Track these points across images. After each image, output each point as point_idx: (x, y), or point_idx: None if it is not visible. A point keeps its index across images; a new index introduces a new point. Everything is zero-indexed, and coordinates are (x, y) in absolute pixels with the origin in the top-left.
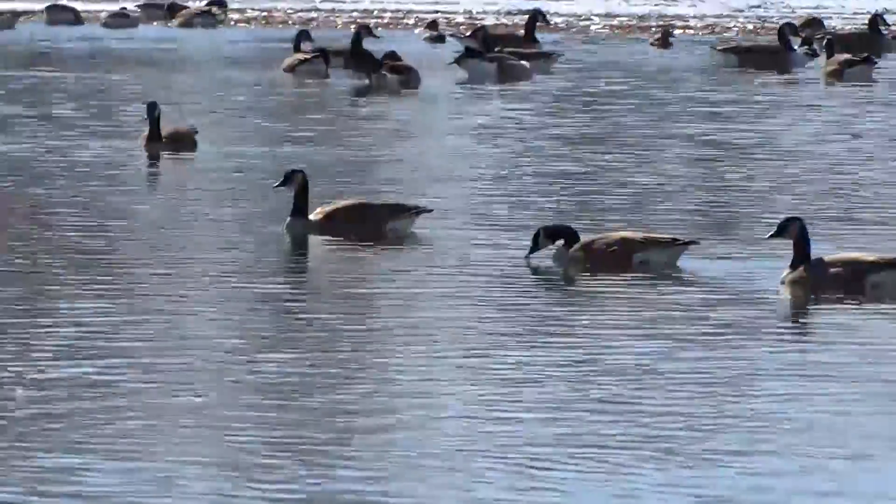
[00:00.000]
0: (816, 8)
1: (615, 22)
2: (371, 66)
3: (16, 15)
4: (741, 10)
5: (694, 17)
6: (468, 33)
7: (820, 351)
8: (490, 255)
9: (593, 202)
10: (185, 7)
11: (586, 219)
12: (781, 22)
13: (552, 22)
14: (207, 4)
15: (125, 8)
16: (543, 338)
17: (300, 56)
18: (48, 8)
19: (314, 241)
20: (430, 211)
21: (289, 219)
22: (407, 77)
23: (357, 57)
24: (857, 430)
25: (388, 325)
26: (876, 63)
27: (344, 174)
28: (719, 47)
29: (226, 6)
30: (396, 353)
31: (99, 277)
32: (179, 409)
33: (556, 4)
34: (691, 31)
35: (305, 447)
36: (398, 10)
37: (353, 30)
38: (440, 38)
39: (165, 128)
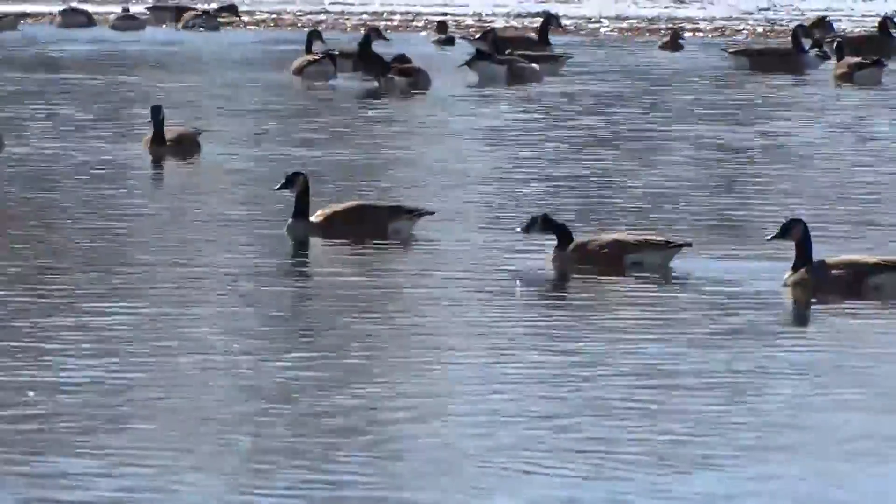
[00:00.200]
0: (826, 10)
1: (624, 24)
2: (380, 68)
3: (18, 17)
4: (750, 13)
5: (703, 19)
6: (477, 36)
7: (821, 353)
8: (490, 258)
9: (600, 204)
10: (192, 10)
11: (593, 220)
12: (791, 24)
13: (564, 25)
14: (219, 9)
15: (127, 10)
16: (547, 340)
17: (309, 57)
18: (63, 11)
19: (315, 242)
20: (432, 213)
21: (290, 220)
22: (415, 79)
23: (366, 59)
24: (859, 431)
25: (388, 327)
26: (886, 66)
27: (350, 176)
28: (731, 49)
29: (237, 11)
30: (397, 356)
31: (101, 280)
32: (182, 411)
33: (565, 7)
34: (701, 34)
35: (308, 450)
36: (407, 13)
37: (362, 32)
38: (449, 41)
39: (169, 131)
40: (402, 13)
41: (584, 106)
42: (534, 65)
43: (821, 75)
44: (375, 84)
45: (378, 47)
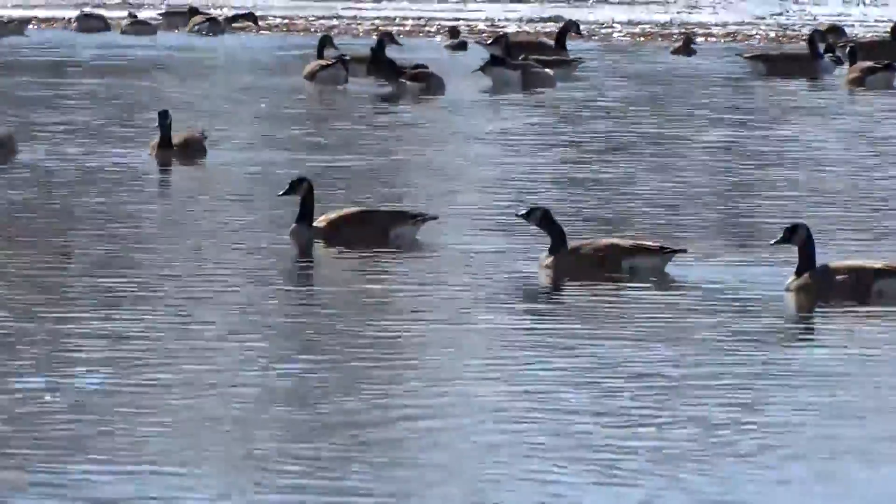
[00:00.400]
0: (839, 16)
1: (637, 29)
2: (393, 73)
3: (24, 22)
4: (762, 18)
5: (716, 24)
6: (490, 41)
7: (825, 358)
8: (492, 262)
9: (611, 209)
10: (211, 15)
11: (603, 225)
12: (803, 29)
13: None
14: (237, 16)
15: (134, 15)
16: (553, 345)
17: (321, 62)
18: (79, 17)
19: (318, 247)
20: (435, 218)
21: (293, 225)
22: (428, 84)
23: (379, 64)
24: (863, 436)
25: (389, 332)
26: None
27: (358, 181)
28: (747, 54)
29: (255, 18)
30: (400, 362)
31: (105, 285)
32: (188, 415)
33: (578, 12)
34: (713, 39)
35: (315, 456)
36: (420, 18)
37: (374, 37)
38: (462, 46)
39: (176, 135)
40: (414, 18)
41: (598, 111)
42: (548, 70)
43: (835, 80)
44: (388, 89)
45: (391, 52)
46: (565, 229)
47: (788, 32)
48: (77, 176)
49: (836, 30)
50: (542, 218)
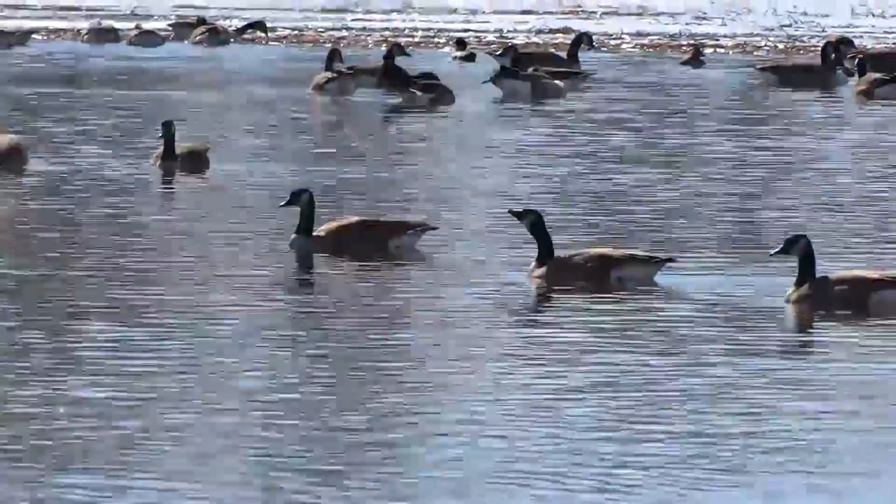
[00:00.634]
0: (847, 27)
1: (646, 41)
2: (402, 84)
3: (28, 33)
4: (771, 29)
5: (724, 35)
6: (499, 52)
7: (824, 369)
8: (491, 273)
9: (618, 220)
10: (213, 24)
11: (610, 236)
12: (812, 41)
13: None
14: (247, 26)
15: (139, 25)
16: (551, 355)
17: (328, 74)
18: (92, 28)
19: (318, 258)
20: (435, 228)
21: (293, 236)
22: (437, 95)
23: (388, 75)
24: (863, 448)
25: (387, 342)
26: None
27: (364, 192)
28: (759, 65)
29: (266, 28)
30: (401, 372)
31: (106, 296)
32: (190, 427)
33: (586, 24)
34: (721, 50)
35: (318, 467)
36: (429, 29)
37: (384, 49)
38: (470, 57)
39: (180, 146)
40: (423, 29)
41: (607, 122)
42: (558, 81)
43: (846, 92)
44: (398, 100)
45: (400, 63)
46: (572, 240)
47: (797, 44)
48: (82, 186)
49: (845, 41)
50: (535, 222)
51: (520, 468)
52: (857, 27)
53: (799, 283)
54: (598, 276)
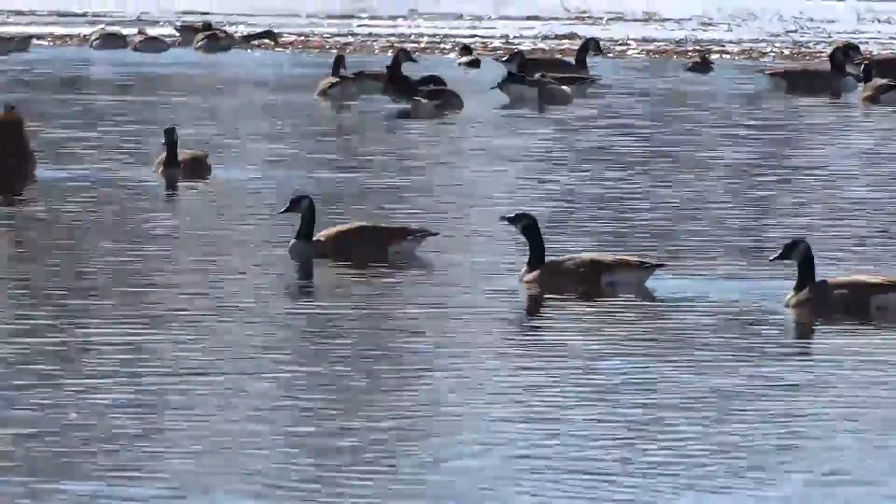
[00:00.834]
0: (853, 33)
1: (652, 46)
2: (408, 90)
3: (28, 38)
4: (777, 35)
5: (730, 41)
6: (505, 58)
7: (824, 373)
8: (490, 279)
9: (623, 225)
10: (216, 30)
11: (613, 242)
12: (818, 47)
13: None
14: (258, 34)
15: (142, 31)
16: (550, 361)
17: (333, 79)
18: (101, 35)
19: (317, 263)
20: (435, 234)
21: (293, 241)
22: (444, 101)
23: (395, 81)
24: (862, 452)
25: (387, 347)
26: None
27: (366, 198)
28: (768, 71)
29: (275, 36)
30: (397, 377)
31: (108, 302)
32: (193, 432)
33: (592, 29)
34: (727, 56)
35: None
36: (435, 35)
37: (390, 55)
38: (475, 63)
39: (182, 153)
40: (429, 35)
41: (614, 128)
42: (565, 87)
43: (854, 98)
44: (404, 106)
45: (407, 69)
46: (576, 245)
47: (803, 49)
48: (84, 193)
49: (851, 47)
50: (528, 227)
51: (518, 470)
52: (862, 33)
53: (798, 288)
54: (589, 280)
